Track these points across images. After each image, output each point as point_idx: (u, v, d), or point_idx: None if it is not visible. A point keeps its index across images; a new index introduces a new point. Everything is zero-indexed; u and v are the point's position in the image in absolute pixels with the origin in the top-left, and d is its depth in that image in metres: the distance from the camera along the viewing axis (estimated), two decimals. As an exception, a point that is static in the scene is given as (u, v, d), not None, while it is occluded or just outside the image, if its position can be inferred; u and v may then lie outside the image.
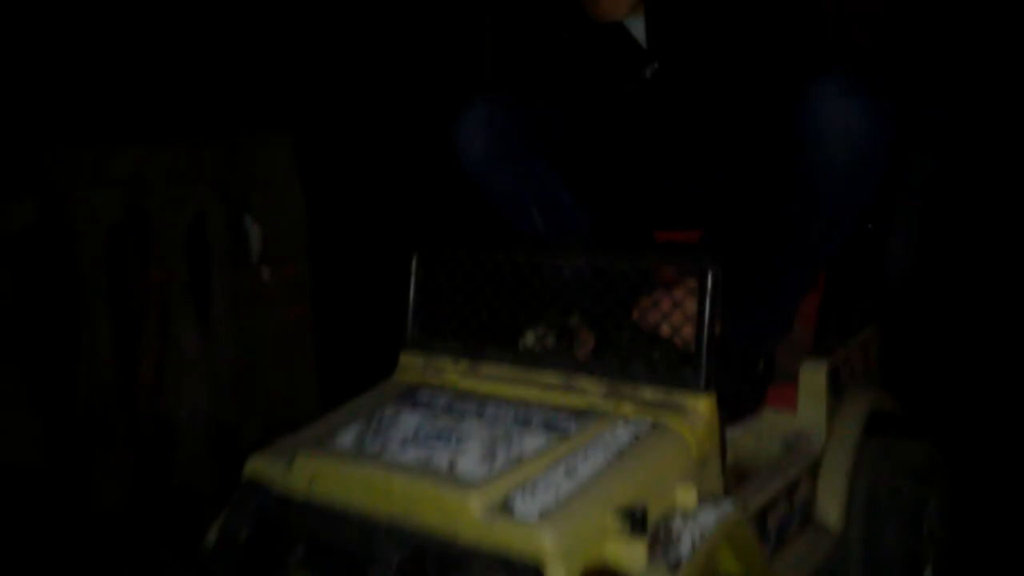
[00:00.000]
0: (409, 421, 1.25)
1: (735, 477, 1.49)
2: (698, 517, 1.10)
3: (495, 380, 1.37)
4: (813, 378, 1.56)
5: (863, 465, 1.56)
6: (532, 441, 1.14)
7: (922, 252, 2.55)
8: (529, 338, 1.53)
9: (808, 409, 1.56)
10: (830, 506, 1.51)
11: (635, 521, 1.01)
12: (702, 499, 1.13)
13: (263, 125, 2.69)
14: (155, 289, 2.47)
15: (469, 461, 1.10)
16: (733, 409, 1.56)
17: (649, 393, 1.25)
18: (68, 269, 2.37)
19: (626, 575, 0.97)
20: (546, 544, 0.96)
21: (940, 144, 2.55)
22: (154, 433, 2.39)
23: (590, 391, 1.28)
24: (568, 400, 1.28)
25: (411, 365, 1.49)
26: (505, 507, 1.02)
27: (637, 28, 1.55)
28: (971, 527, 1.84)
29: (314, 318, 2.65)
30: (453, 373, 1.43)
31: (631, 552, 1.00)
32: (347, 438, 1.23)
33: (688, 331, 1.25)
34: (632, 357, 1.30)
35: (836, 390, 1.59)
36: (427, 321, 1.51)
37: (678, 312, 1.30)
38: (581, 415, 1.22)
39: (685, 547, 1.04)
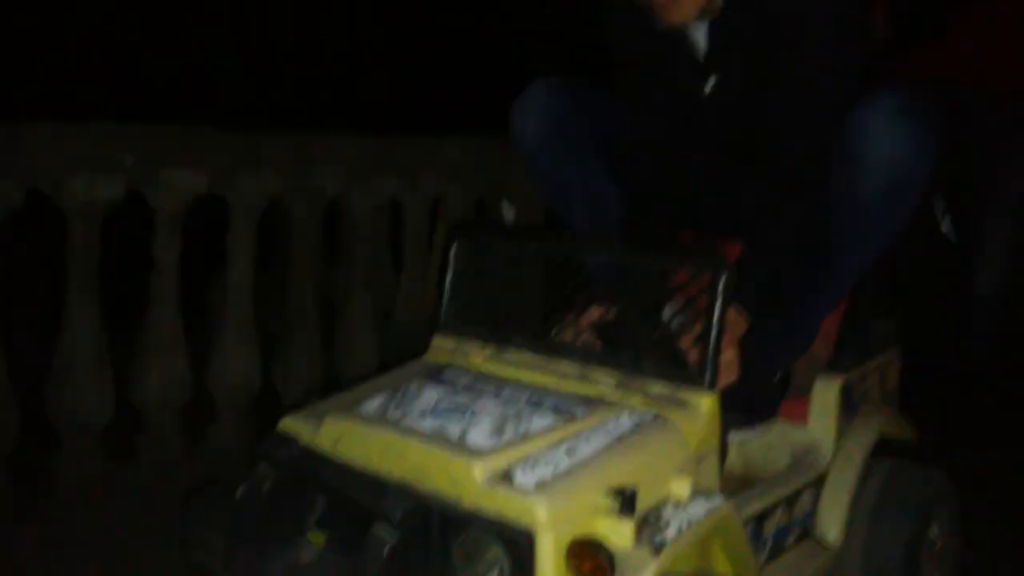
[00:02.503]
0: (431, 395, 1.34)
1: (743, 483, 1.55)
2: (688, 507, 1.17)
3: (516, 366, 1.45)
4: (825, 394, 1.61)
5: (868, 485, 1.61)
6: (540, 421, 1.22)
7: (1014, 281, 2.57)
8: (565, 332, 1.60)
9: (818, 424, 1.61)
10: (830, 521, 1.56)
11: (625, 501, 1.08)
12: (695, 493, 1.20)
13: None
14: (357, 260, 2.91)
15: (479, 433, 1.19)
16: (746, 415, 1.62)
17: (657, 388, 1.32)
18: (287, 243, 2.76)
19: (611, 549, 1.04)
20: (539, 514, 1.04)
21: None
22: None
23: (603, 382, 1.36)
24: (581, 388, 1.35)
25: (442, 347, 1.58)
26: (505, 476, 1.10)
27: (699, 34, 1.61)
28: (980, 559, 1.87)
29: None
30: (479, 356, 1.51)
31: (619, 530, 1.07)
32: (372, 405, 1.33)
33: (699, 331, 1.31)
34: (645, 353, 1.37)
35: (848, 408, 1.63)
36: (460, 306, 1.60)
37: (693, 314, 1.36)
38: (590, 402, 1.29)
39: (671, 532, 1.11)
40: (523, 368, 1.44)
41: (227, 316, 2.52)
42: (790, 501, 1.49)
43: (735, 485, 1.52)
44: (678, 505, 1.17)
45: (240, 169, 2.46)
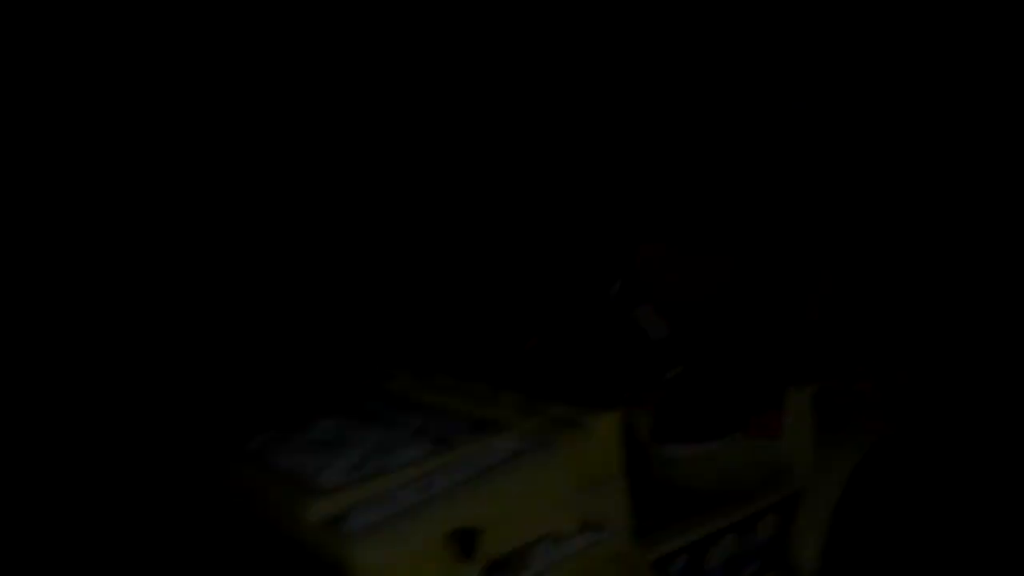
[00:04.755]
0: (323, 428, 1.26)
1: (715, 502, 1.39)
2: (566, 543, 1.05)
3: (437, 390, 1.37)
4: (797, 404, 1.42)
5: (850, 503, 1.41)
6: (408, 452, 1.13)
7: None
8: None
9: (791, 437, 1.43)
10: (804, 543, 1.38)
11: (464, 544, 0.98)
12: (585, 526, 1.08)
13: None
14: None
15: (335, 470, 1.10)
16: (708, 430, 1.47)
17: (558, 409, 1.20)
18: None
19: (442, 598, 0.94)
20: (356, 558, 0.95)
21: None
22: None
23: (506, 404, 1.25)
24: (484, 411, 1.24)
25: (397, 376, 1.50)
26: (341, 517, 1.02)
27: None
28: None
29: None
30: (412, 383, 1.43)
31: (459, 574, 0.97)
32: (263, 439, 1.27)
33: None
34: (554, 376, 1.26)
35: (830, 419, 1.45)
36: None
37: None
38: (479, 426, 1.18)
39: (530, 572, 0.99)
40: (442, 392, 1.36)
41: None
42: (743, 526, 1.32)
43: (703, 503, 1.37)
44: (556, 541, 1.05)
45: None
